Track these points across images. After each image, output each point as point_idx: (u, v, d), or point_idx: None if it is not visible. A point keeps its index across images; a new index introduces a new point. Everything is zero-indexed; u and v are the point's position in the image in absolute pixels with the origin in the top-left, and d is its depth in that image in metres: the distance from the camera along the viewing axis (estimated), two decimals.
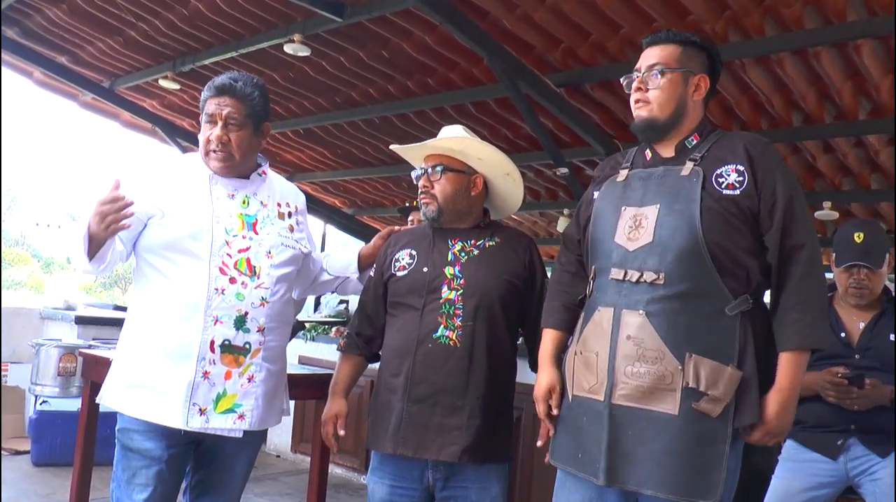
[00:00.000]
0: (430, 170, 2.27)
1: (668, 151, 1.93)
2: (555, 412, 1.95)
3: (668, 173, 1.88)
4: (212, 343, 2.06)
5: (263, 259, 2.16)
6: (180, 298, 2.07)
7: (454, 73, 4.99)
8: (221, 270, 2.09)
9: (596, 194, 1.99)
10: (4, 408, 5.66)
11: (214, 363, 2.07)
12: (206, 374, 2.05)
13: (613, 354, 1.78)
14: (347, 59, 5.09)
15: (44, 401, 5.50)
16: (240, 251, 2.13)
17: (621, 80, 2.01)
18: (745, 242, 1.79)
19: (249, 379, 2.12)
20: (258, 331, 2.13)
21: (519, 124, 5.55)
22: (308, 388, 3.09)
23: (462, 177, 2.27)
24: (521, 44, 4.42)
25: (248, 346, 2.11)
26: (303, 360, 5.69)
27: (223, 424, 2.08)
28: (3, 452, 5.43)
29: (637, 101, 1.93)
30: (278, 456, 6.17)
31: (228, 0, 4.64)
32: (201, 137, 2.17)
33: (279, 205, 2.28)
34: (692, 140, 1.91)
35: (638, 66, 1.95)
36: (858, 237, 2.63)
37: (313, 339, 5.94)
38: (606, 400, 1.78)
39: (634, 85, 1.93)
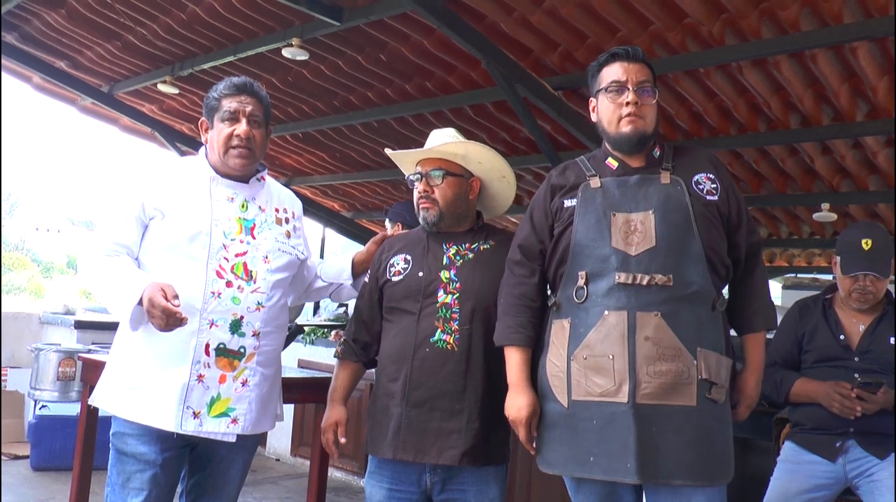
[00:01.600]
0: (429, 174, 2.26)
1: (636, 161, 2.02)
2: (534, 434, 1.99)
3: (645, 181, 1.97)
4: (207, 346, 2.07)
5: (260, 264, 2.18)
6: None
7: (452, 77, 5.00)
8: (218, 274, 2.10)
9: (570, 202, 2.01)
10: (4, 413, 5.66)
11: (209, 366, 2.07)
12: (200, 377, 2.06)
13: (633, 356, 1.83)
14: (345, 62, 5.10)
15: (43, 406, 5.50)
16: (237, 255, 2.14)
17: (605, 87, 2.02)
18: (724, 243, 1.97)
19: (244, 384, 2.13)
20: (253, 336, 2.14)
21: (517, 127, 5.56)
22: (307, 392, 3.10)
23: (461, 181, 2.27)
24: (519, 47, 4.43)
25: (242, 350, 2.12)
26: (302, 364, 5.69)
27: (217, 428, 2.09)
28: (2, 457, 5.43)
29: (630, 115, 1.97)
30: (278, 460, 6.17)
31: (226, 4, 4.66)
32: (219, 135, 2.17)
33: (277, 210, 2.30)
34: (656, 151, 2.04)
35: (620, 78, 1.98)
36: (867, 244, 2.63)
37: (312, 343, 5.95)
38: (630, 400, 1.82)
39: (630, 98, 1.97)
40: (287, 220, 2.32)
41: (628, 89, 1.97)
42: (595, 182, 1.99)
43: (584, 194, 1.99)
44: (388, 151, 2.42)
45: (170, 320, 1.90)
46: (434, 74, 5.03)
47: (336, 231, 8.93)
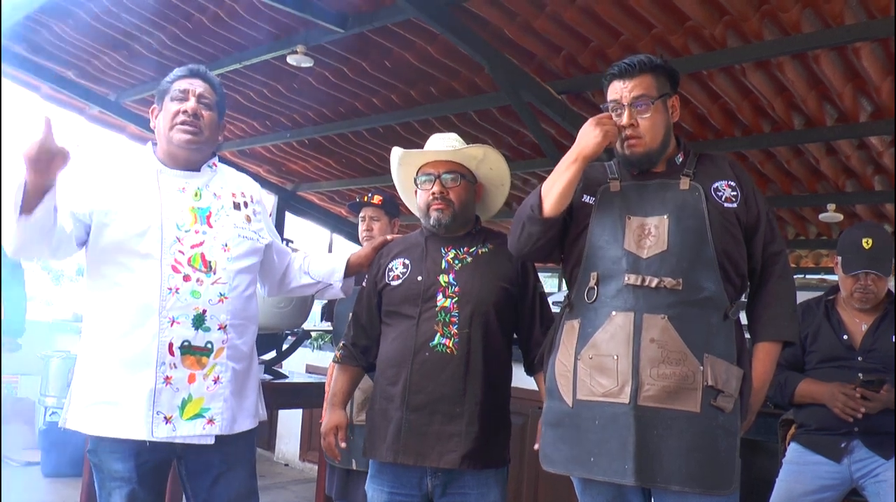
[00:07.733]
0: (445, 176, 2.25)
1: (657, 166, 2.02)
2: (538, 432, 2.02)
3: (664, 186, 1.97)
4: (170, 345, 1.95)
5: (219, 253, 2.06)
6: (132, 302, 1.97)
7: (456, 82, 5.02)
8: (174, 268, 1.98)
9: (588, 199, 2.03)
10: (15, 419, 5.70)
11: (175, 367, 1.96)
12: (167, 380, 1.95)
13: (637, 357, 1.83)
14: (350, 69, 5.13)
15: (53, 413, 5.54)
16: (192, 247, 2.02)
17: (602, 107, 2.03)
18: (741, 251, 1.95)
19: (215, 381, 2.01)
20: (220, 329, 2.02)
21: (522, 131, 5.57)
22: (316, 396, 3.12)
23: (472, 186, 2.30)
24: (523, 52, 4.45)
25: (210, 346, 2.01)
26: (310, 369, 5.72)
27: (192, 431, 1.97)
28: (12, 463, 5.47)
29: (630, 138, 1.96)
30: (286, 465, 6.19)
31: (232, 13, 4.69)
32: (167, 113, 2.09)
33: (234, 195, 2.18)
34: (679, 157, 2.03)
35: (616, 98, 1.97)
36: (867, 243, 2.64)
37: (320, 348, 5.98)
38: (632, 401, 1.82)
39: (626, 121, 1.95)
40: (246, 205, 2.20)
41: (624, 109, 1.95)
42: (615, 185, 2.01)
43: (603, 197, 2.01)
44: (398, 149, 2.37)
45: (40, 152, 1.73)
46: (438, 80, 5.05)
47: (343, 237, 8.94)
